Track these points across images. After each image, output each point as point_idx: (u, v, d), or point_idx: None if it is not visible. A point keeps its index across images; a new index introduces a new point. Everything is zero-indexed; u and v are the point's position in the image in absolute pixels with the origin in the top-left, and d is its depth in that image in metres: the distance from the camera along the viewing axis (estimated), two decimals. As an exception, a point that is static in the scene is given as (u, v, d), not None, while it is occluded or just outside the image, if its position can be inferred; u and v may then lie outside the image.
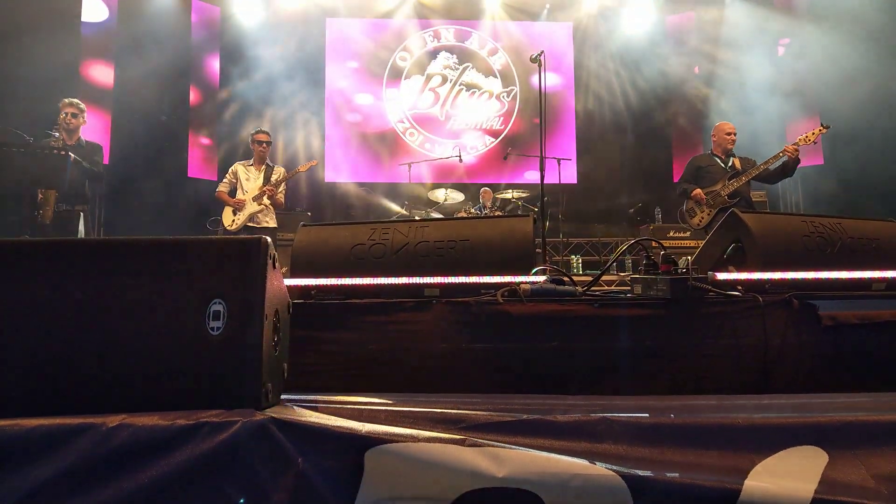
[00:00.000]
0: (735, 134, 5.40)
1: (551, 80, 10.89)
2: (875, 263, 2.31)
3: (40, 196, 4.64)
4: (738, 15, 10.16)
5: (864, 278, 2.27)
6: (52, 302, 1.23)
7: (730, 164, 5.32)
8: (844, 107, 7.76)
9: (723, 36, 10.21)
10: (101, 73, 8.97)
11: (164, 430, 1.08)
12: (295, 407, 1.29)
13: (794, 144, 4.91)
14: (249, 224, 5.88)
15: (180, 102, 10.01)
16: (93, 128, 8.07)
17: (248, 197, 5.89)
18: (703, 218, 5.25)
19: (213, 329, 1.21)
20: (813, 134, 4.91)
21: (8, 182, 4.38)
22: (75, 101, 5.16)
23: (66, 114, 5.03)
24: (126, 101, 8.99)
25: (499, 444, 1.14)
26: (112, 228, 8.46)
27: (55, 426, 1.08)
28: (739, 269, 2.26)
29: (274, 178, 5.99)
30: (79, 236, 4.91)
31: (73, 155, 4.74)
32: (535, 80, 9.29)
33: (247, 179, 5.98)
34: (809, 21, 9.24)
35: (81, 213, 5.01)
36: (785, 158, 4.95)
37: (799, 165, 4.97)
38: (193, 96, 10.18)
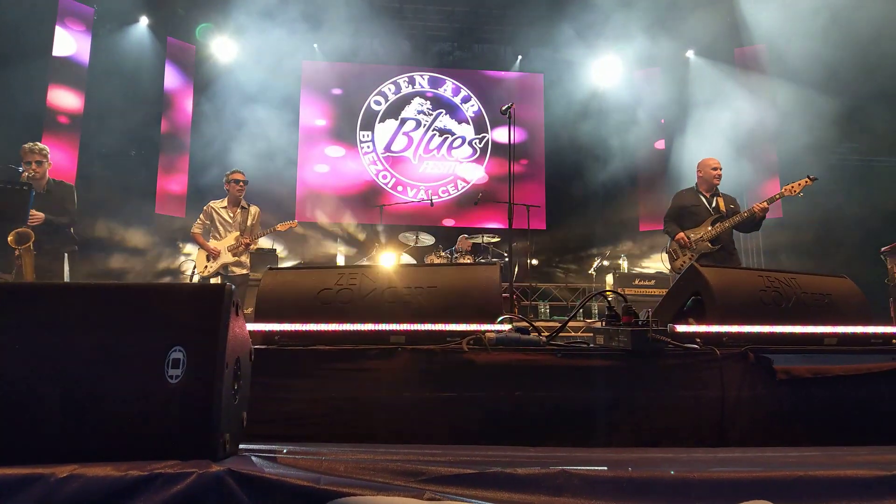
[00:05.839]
0: (721, 169, 5.31)
1: (522, 129, 11.22)
2: (827, 319, 2.40)
3: (17, 251, 4.24)
4: (700, 71, 10.64)
5: (817, 333, 2.36)
6: (2, 347, 1.20)
7: (714, 204, 5.26)
8: (804, 163, 8.07)
9: (687, 90, 10.63)
10: (70, 105, 8.85)
11: (117, 481, 1.06)
12: (253, 458, 1.27)
13: (760, 203, 4.92)
14: (222, 271, 5.80)
15: (151, 138, 9.95)
16: (60, 160, 7.95)
17: (223, 245, 5.79)
18: (684, 262, 5.21)
19: (171, 377, 1.19)
20: (798, 185, 4.81)
21: None
22: (37, 146, 4.69)
23: (30, 163, 4.58)
24: (95, 134, 8.86)
25: (459, 497, 1.14)
26: (76, 265, 8.27)
27: (1, 476, 1.05)
28: (699, 321, 2.32)
29: (250, 222, 5.91)
30: (66, 278, 4.69)
31: (43, 214, 4.49)
32: (506, 127, 9.47)
33: (221, 221, 5.89)
34: (768, 78, 9.73)
35: (66, 255, 4.78)
36: (753, 215, 4.97)
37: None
38: (165, 132, 10.14)
